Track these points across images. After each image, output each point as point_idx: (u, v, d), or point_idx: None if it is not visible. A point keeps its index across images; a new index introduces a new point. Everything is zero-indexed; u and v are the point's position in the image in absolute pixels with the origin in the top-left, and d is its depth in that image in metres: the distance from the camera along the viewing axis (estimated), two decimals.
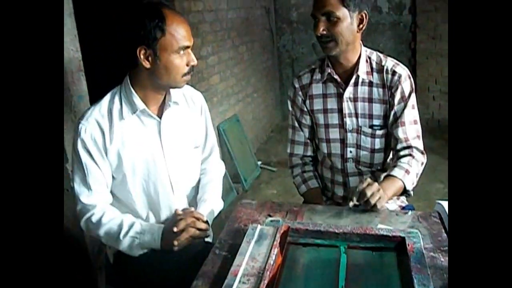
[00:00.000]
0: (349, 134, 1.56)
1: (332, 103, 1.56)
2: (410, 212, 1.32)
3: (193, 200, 1.47)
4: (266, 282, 0.93)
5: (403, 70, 1.49)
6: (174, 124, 1.37)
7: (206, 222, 1.30)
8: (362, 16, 1.43)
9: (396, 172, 1.41)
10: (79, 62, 1.73)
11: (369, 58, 1.52)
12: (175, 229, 1.23)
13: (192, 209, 1.34)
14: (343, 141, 1.57)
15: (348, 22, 1.40)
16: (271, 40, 5.09)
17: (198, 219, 1.27)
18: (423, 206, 2.64)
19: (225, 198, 2.39)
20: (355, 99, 1.53)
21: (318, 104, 1.58)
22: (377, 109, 1.51)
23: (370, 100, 1.51)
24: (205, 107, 1.52)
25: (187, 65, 1.27)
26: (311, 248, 1.12)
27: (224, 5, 3.68)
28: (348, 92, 1.52)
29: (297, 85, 1.62)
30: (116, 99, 1.31)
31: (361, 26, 1.44)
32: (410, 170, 1.42)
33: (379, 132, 1.53)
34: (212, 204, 1.43)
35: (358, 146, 1.56)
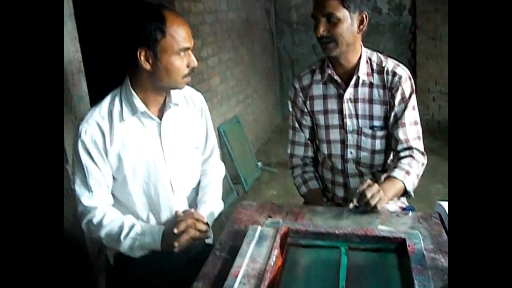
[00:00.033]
0: (349, 135, 1.56)
1: (332, 104, 1.56)
2: (410, 213, 1.32)
3: (193, 201, 1.47)
4: (266, 283, 0.93)
5: (403, 71, 1.49)
6: (174, 126, 1.37)
7: (207, 223, 1.30)
8: (362, 17, 1.43)
9: (396, 173, 1.41)
10: (79, 63, 1.73)
11: (370, 59, 1.52)
12: (175, 231, 1.23)
13: (193, 210, 1.34)
14: (343, 142, 1.57)
15: (349, 23, 1.40)
16: (271, 41, 5.10)
17: (198, 220, 1.27)
18: (424, 207, 2.63)
19: (225, 199, 2.39)
20: (355, 100, 1.53)
21: (318, 105, 1.58)
22: (378, 110, 1.51)
23: (371, 101, 1.51)
24: (206, 108, 1.52)
25: (188, 66, 1.27)
26: (311, 249, 1.12)
27: (224, 6, 3.69)
28: (349, 93, 1.52)
29: (297, 86, 1.62)
30: (117, 100, 1.31)
31: (361, 27, 1.44)
32: (411, 171, 1.42)
33: (379, 133, 1.53)
34: (212, 205, 1.43)
35: (358, 147, 1.56)
